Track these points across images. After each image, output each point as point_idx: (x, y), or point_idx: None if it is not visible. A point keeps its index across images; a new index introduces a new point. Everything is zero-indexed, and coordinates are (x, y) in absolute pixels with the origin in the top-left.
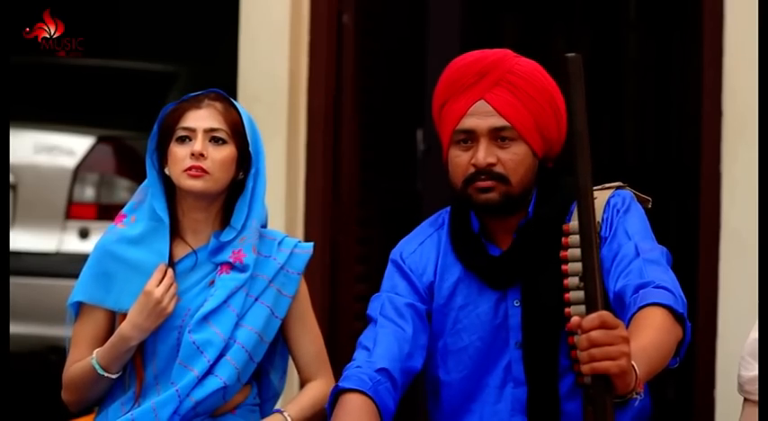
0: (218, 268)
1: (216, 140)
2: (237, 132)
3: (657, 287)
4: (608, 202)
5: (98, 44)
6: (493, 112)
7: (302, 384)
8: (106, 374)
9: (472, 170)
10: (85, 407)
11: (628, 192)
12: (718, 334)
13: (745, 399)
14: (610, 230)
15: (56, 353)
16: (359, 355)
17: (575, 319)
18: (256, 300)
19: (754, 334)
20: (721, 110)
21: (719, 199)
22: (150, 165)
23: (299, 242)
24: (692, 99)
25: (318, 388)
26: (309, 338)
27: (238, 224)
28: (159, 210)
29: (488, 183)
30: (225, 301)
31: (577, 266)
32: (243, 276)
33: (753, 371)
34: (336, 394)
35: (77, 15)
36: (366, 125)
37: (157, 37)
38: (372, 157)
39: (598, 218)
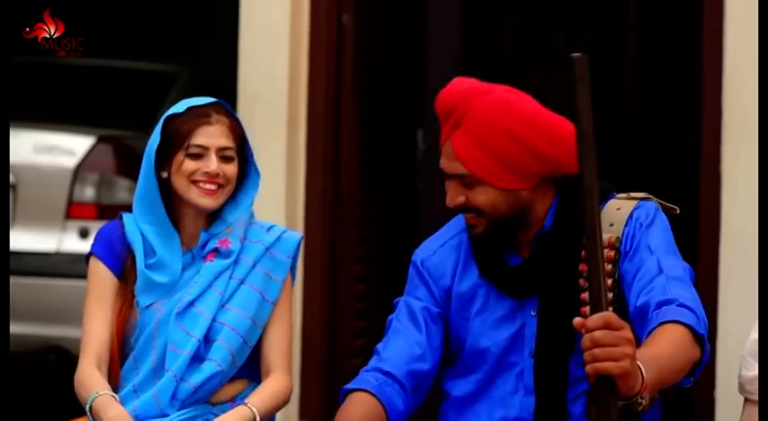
0: (205, 259)
1: (225, 158)
2: (240, 146)
3: (680, 306)
4: (631, 215)
5: (98, 44)
6: (454, 157)
7: (263, 372)
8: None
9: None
10: None
11: (653, 204)
12: (718, 334)
13: (746, 399)
14: (631, 245)
15: (56, 353)
16: (371, 360)
17: (578, 320)
18: (242, 282)
19: (755, 334)
20: (721, 110)
21: (719, 199)
22: (151, 171)
23: (288, 230)
24: (692, 99)
25: (277, 382)
26: (281, 327)
27: (232, 218)
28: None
29: (472, 220)
30: (209, 286)
31: None
32: (226, 262)
33: (753, 371)
34: (344, 396)
35: (77, 15)
36: (366, 125)
37: (157, 37)
38: (372, 157)
39: (619, 232)
